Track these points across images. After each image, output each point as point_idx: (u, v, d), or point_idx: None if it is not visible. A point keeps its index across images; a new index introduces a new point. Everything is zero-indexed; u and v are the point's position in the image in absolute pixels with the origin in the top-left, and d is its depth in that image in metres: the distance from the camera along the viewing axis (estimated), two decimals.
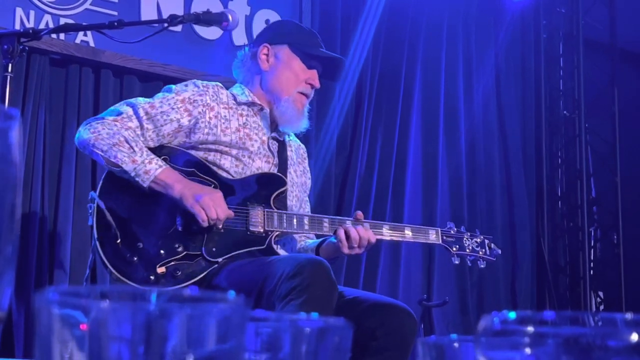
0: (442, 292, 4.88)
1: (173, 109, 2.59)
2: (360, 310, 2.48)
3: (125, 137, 2.49)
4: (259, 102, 2.73)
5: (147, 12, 4.07)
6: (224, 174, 2.62)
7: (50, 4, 3.82)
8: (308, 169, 2.97)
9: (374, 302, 2.54)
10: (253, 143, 2.67)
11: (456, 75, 5.30)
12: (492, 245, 2.96)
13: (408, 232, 2.79)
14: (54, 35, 3.71)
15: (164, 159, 2.57)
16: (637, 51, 6.48)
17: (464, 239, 2.89)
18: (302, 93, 2.75)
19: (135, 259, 2.47)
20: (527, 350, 0.53)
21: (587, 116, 5.80)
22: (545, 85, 5.86)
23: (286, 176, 2.75)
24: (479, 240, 2.93)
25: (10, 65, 2.33)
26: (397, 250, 4.86)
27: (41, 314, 0.50)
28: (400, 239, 2.78)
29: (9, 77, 2.32)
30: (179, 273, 2.48)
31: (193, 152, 2.63)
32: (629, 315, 0.54)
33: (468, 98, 5.34)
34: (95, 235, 2.49)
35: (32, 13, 3.77)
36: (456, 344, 0.73)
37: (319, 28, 4.68)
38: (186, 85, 2.68)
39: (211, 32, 4.19)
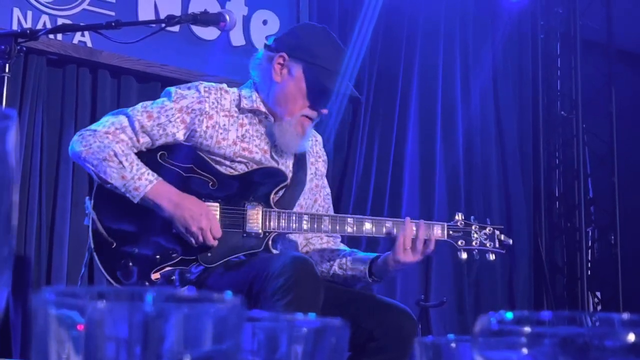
0: (439, 293, 4.88)
1: (170, 121, 2.52)
2: (359, 311, 2.47)
3: (115, 151, 2.44)
4: (264, 110, 2.62)
5: (145, 13, 4.07)
6: (223, 170, 2.57)
7: (47, 5, 3.81)
8: (322, 164, 2.85)
9: (372, 303, 2.53)
10: (254, 156, 2.59)
11: (453, 75, 5.31)
12: (502, 236, 2.78)
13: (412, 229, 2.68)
14: (51, 36, 3.70)
15: (161, 155, 2.53)
16: (634, 51, 6.48)
17: (472, 231, 2.74)
18: (306, 116, 2.61)
19: (131, 264, 2.45)
20: (524, 351, 0.53)
21: (584, 116, 5.81)
22: (542, 85, 5.86)
23: (305, 184, 2.70)
24: (488, 232, 2.76)
25: (7, 65, 2.32)
26: None
27: (38, 314, 0.50)
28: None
29: (6, 77, 2.32)
30: (174, 278, 2.47)
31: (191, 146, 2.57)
32: (626, 316, 0.54)
33: (465, 98, 5.34)
34: (91, 237, 2.48)
35: (29, 13, 3.77)
36: (453, 344, 0.73)
37: None
38: (188, 89, 2.59)
39: (209, 33, 4.19)
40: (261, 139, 2.63)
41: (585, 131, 5.85)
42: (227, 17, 2.53)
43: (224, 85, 2.66)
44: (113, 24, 2.46)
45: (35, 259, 3.62)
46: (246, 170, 2.59)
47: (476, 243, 2.74)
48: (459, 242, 2.72)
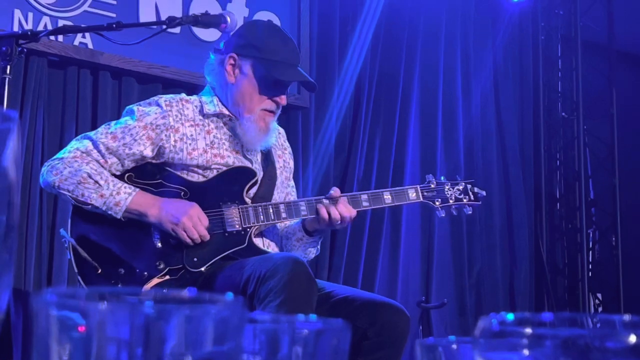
0: (440, 294, 4.88)
1: (136, 140, 2.52)
2: (351, 310, 2.47)
3: (88, 172, 2.45)
4: (227, 113, 2.65)
5: (146, 14, 4.07)
6: (192, 179, 2.58)
7: (48, 6, 3.82)
8: (289, 156, 2.88)
9: (365, 301, 2.53)
10: (226, 160, 2.60)
11: (454, 77, 5.31)
12: (476, 189, 2.88)
13: (387, 197, 2.73)
14: (52, 37, 3.70)
15: (129, 177, 2.54)
16: (635, 52, 6.48)
17: (446, 189, 2.82)
18: (266, 110, 2.64)
19: (120, 286, 2.45)
20: (525, 352, 0.53)
21: (585, 118, 5.81)
22: (543, 86, 5.86)
23: (276, 177, 2.73)
24: (461, 187, 2.86)
25: (8, 67, 2.32)
26: (395, 251, 4.86)
27: (39, 316, 0.50)
28: (382, 206, 2.74)
29: (7, 79, 2.32)
30: (165, 291, 2.47)
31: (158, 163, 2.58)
32: (627, 317, 0.54)
33: (466, 100, 5.34)
34: (76, 270, 2.48)
35: (30, 15, 3.77)
36: (454, 346, 0.73)
37: (318, 29, 4.69)
38: (149, 105, 2.60)
39: (209, 34, 4.19)
40: (230, 141, 2.65)
41: (586, 132, 5.85)
42: (228, 19, 2.54)
43: (184, 95, 2.68)
44: (114, 25, 2.46)
45: (36, 261, 3.62)
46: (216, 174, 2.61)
47: (452, 200, 2.83)
48: (436, 202, 2.81)
